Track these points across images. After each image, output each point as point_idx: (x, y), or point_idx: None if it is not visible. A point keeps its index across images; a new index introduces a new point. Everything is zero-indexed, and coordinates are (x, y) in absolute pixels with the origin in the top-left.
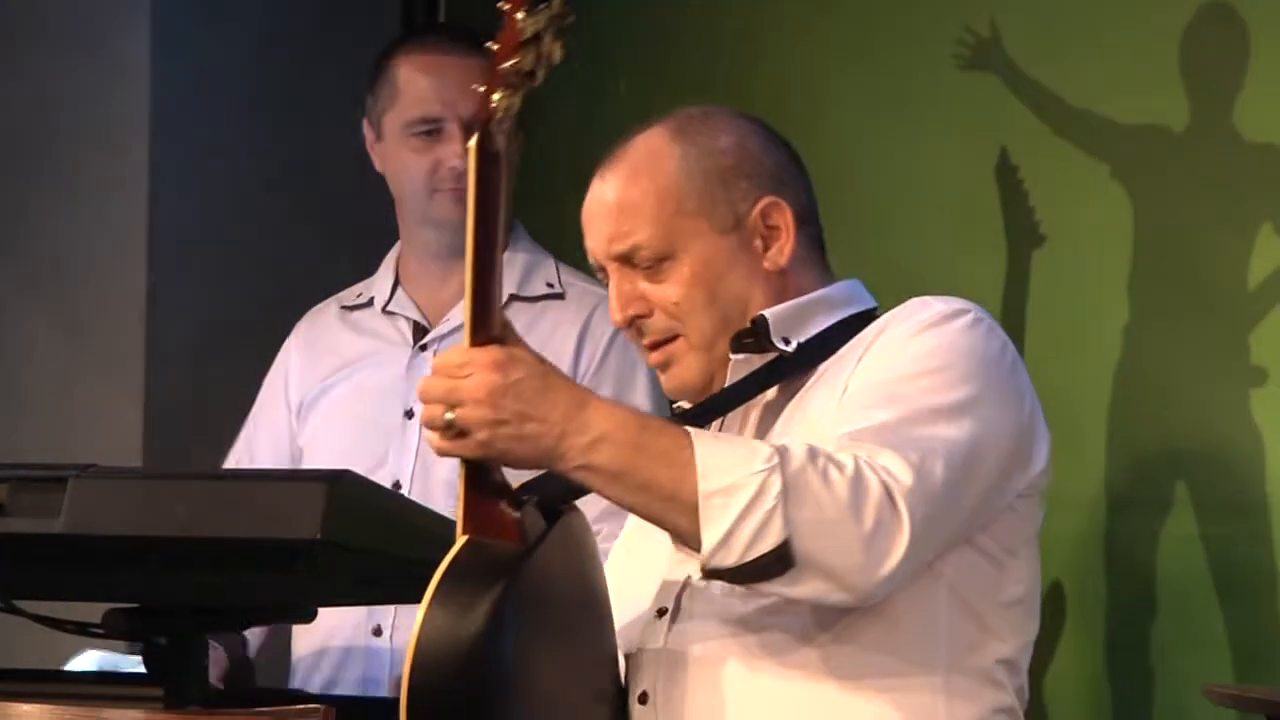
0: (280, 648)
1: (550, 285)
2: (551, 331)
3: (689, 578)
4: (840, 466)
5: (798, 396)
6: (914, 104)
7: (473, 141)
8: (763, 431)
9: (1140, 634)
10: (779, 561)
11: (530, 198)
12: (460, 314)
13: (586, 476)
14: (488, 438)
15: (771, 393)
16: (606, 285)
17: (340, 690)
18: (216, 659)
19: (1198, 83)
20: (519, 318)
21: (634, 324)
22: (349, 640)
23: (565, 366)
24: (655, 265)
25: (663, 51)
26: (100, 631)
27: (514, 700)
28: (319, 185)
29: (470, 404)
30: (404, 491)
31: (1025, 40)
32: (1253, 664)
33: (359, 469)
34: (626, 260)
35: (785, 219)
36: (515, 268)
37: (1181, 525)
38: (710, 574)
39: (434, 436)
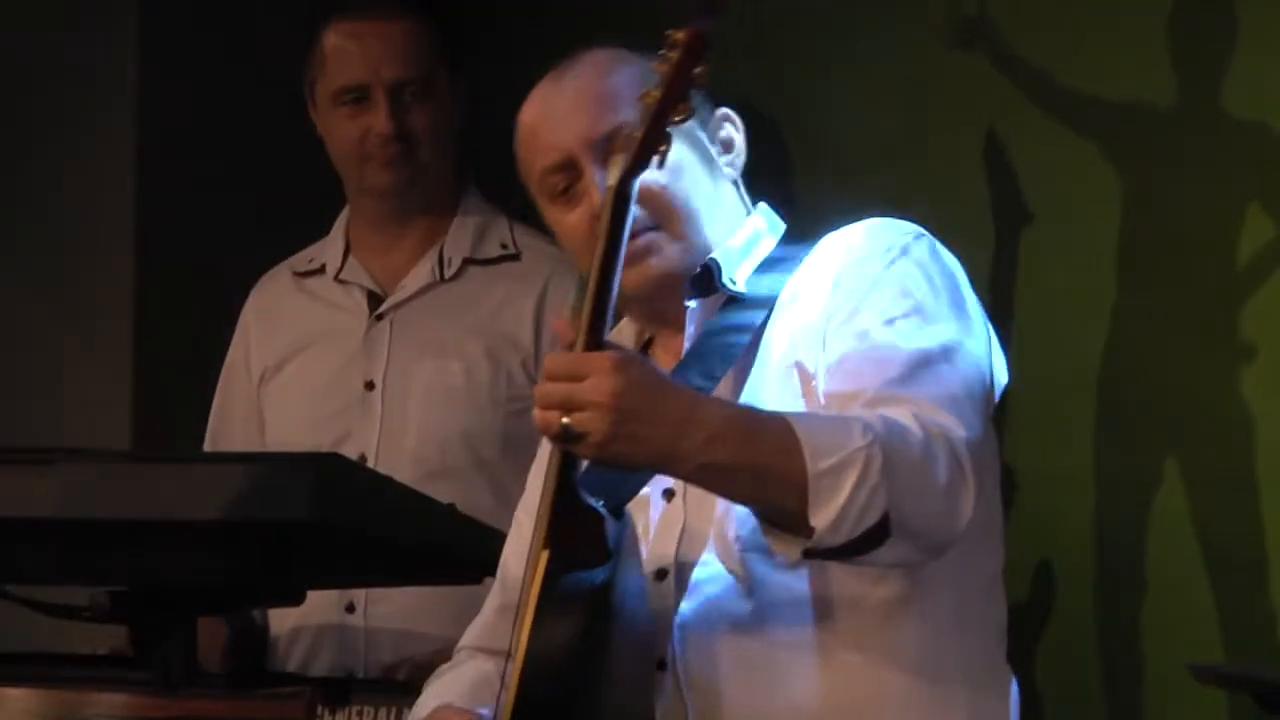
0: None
1: (505, 246)
2: (507, 298)
3: (682, 533)
4: (910, 430)
5: (767, 347)
6: (902, 82)
7: (613, 179)
8: (740, 388)
9: (1129, 613)
10: (880, 532)
11: (486, 157)
12: (414, 281)
13: (704, 473)
14: (604, 439)
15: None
16: (567, 193)
17: (316, 669)
18: (219, 633)
19: (1186, 60)
20: (474, 281)
21: None
22: (323, 619)
23: (524, 337)
24: None
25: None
26: (88, 615)
27: (602, 700)
28: (311, 173)
29: (590, 408)
30: (369, 465)
31: (1012, 18)
32: (1242, 643)
33: (323, 444)
34: (608, 144)
35: (738, 130)
36: (468, 230)
37: (1171, 503)
38: (812, 553)
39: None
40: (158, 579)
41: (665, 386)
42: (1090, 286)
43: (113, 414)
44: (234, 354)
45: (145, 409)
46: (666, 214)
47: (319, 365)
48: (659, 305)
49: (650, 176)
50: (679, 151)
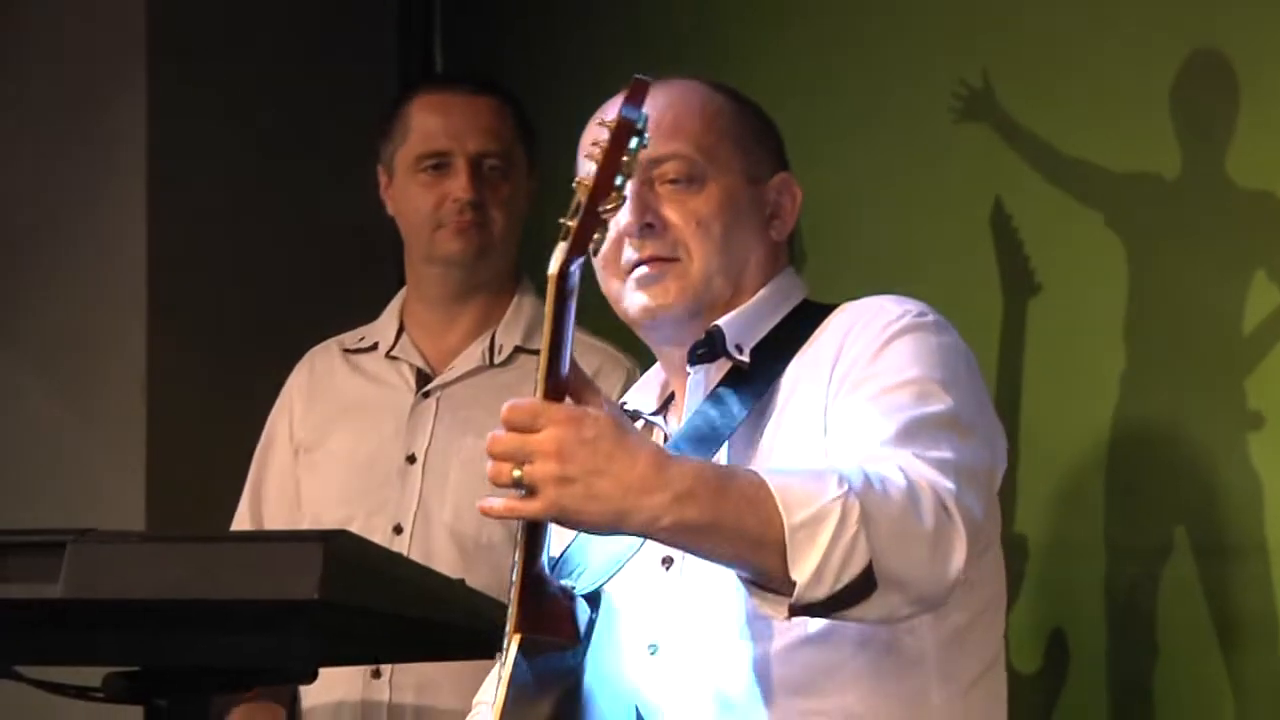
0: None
1: None
2: None
3: (675, 606)
4: (891, 479)
5: (769, 426)
6: (910, 154)
7: (554, 269)
8: (741, 464)
9: (1142, 680)
10: (865, 584)
11: (540, 246)
12: (464, 363)
13: (675, 534)
14: (557, 495)
15: (742, 417)
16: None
17: None
18: (275, 714)
19: (1190, 130)
20: (524, 369)
21: (640, 233)
22: (347, 683)
23: None
24: (685, 183)
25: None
26: (101, 695)
27: None
28: (318, 250)
29: (540, 459)
30: (405, 536)
31: (1019, 91)
32: (1252, 709)
33: (360, 513)
34: (655, 168)
35: (794, 200)
36: (521, 320)
37: (1181, 570)
38: (798, 610)
39: (496, 504)
40: (170, 659)
41: (626, 442)
42: (1098, 356)
43: (126, 495)
44: (274, 427)
45: (158, 494)
46: (688, 249)
47: (361, 437)
48: (666, 338)
49: (689, 207)
50: (726, 193)
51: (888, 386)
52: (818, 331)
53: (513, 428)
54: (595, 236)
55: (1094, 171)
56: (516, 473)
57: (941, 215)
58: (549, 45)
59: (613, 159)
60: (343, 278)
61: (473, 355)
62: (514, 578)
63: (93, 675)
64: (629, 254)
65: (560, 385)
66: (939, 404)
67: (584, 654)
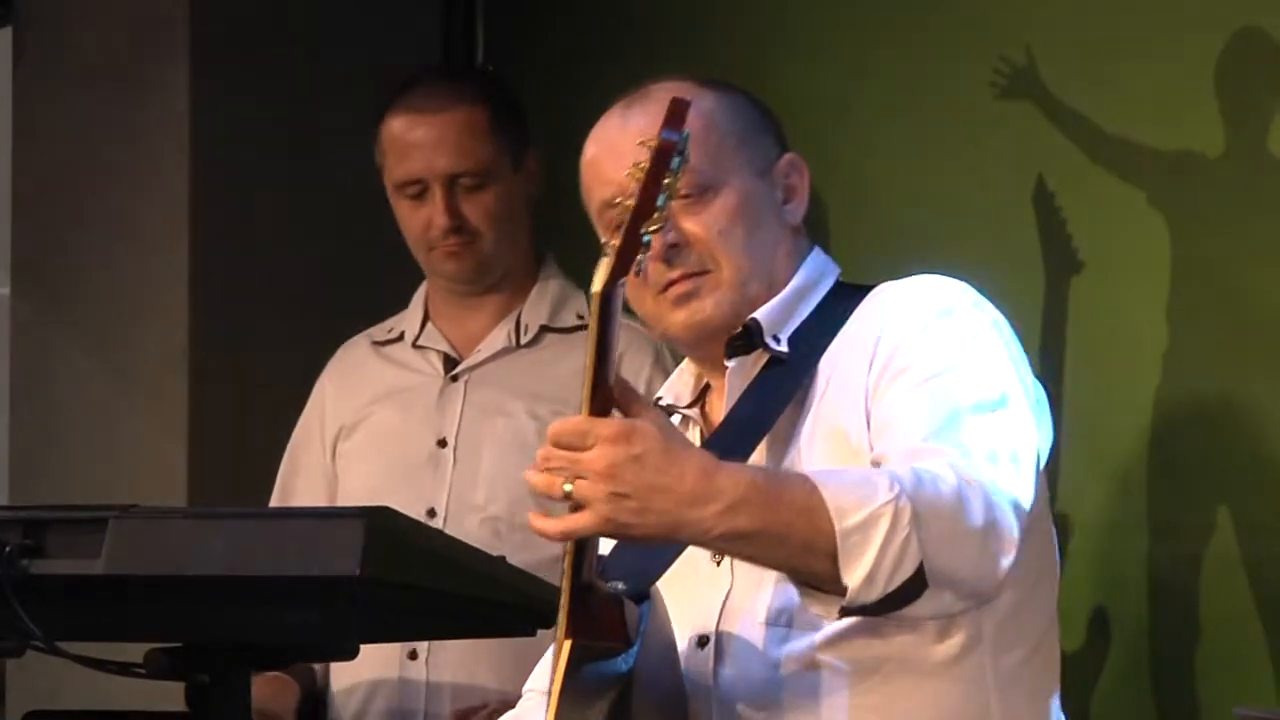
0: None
1: (581, 317)
2: (582, 365)
3: (726, 599)
4: (942, 478)
5: (811, 410)
6: (952, 132)
7: (597, 288)
8: (783, 451)
9: (1184, 658)
10: (917, 585)
11: (560, 229)
12: (490, 345)
13: (726, 542)
14: (610, 512)
15: (782, 408)
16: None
17: (372, 717)
18: (291, 691)
19: (1233, 107)
20: (550, 348)
21: (667, 254)
22: (382, 666)
23: None
24: (697, 195)
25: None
26: (143, 671)
27: None
28: (362, 227)
29: (591, 477)
30: (438, 519)
31: (1061, 68)
32: None
33: (393, 498)
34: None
35: (803, 179)
36: (546, 300)
37: (1225, 550)
38: (849, 611)
39: (551, 527)
40: (212, 635)
41: (675, 454)
42: (1141, 334)
43: (168, 471)
44: (306, 423)
45: (201, 468)
46: (717, 260)
47: (392, 422)
48: (707, 350)
49: (708, 219)
50: (740, 195)
51: (930, 374)
52: (855, 314)
53: (562, 446)
54: (638, 258)
55: (1136, 149)
56: (568, 486)
57: (983, 193)
58: (592, 29)
59: (655, 180)
60: (387, 251)
61: (499, 337)
62: (562, 584)
63: (134, 651)
64: (659, 274)
65: (606, 397)
66: (983, 390)
67: (636, 654)
